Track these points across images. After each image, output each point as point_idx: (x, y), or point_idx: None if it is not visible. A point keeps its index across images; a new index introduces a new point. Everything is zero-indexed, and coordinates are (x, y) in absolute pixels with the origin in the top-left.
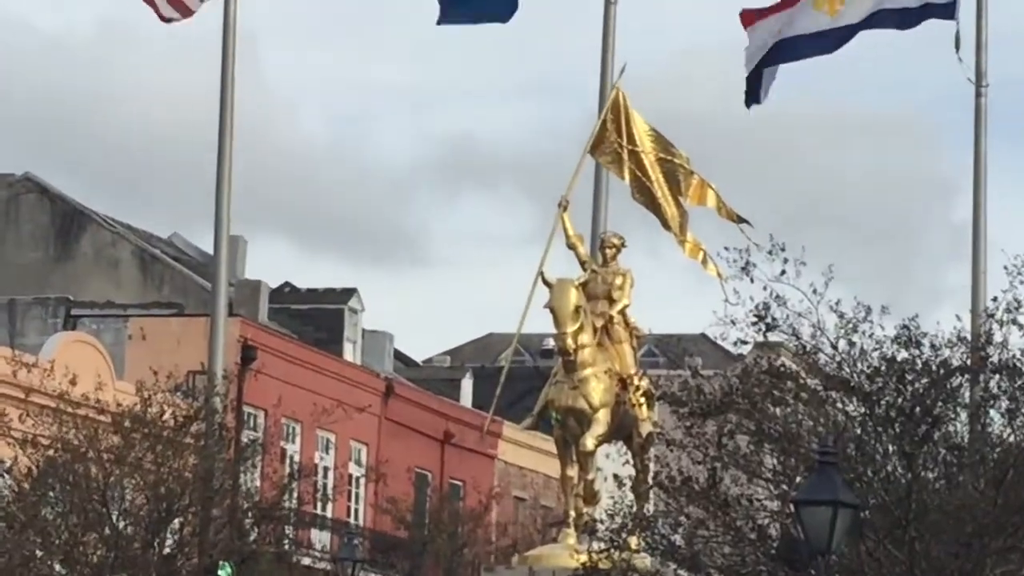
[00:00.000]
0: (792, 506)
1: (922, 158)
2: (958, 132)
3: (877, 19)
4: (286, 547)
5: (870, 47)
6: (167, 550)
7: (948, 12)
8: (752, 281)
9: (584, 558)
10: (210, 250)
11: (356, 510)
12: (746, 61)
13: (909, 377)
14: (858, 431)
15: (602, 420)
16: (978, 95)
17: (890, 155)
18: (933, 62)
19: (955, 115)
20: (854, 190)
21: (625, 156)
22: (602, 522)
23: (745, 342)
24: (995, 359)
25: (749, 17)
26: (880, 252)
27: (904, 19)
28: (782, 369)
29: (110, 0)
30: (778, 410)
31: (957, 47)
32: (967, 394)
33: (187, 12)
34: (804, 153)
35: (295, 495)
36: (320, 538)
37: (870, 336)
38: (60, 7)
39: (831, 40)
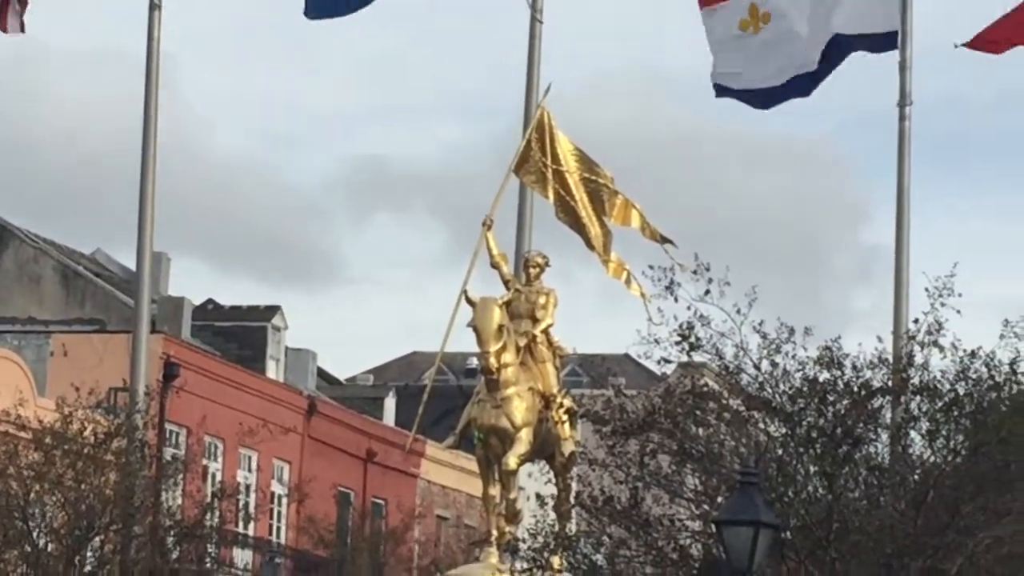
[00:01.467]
0: (714, 526)
1: (831, 182)
2: (867, 157)
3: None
4: (208, 566)
5: None
6: (88, 568)
7: (890, 43)
8: (676, 301)
9: None
10: (133, 266)
11: (278, 528)
12: (712, 48)
13: (831, 398)
14: (780, 452)
15: (524, 439)
16: (902, 117)
17: (800, 178)
18: (843, 88)
19: (865, 140)
20: (764, 212)
21: (549, 176)
22: (524, 541)
23: (668, 361)
24: (916, 381)
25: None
26: (789, 274)
27: (843, 50)
28: (705, 389)
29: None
30: (700, 430)
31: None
32: (888, 415)
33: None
34: (714, 174)
35: (217, 513)
36: (242, 557)
37: (792, 357)
38: None
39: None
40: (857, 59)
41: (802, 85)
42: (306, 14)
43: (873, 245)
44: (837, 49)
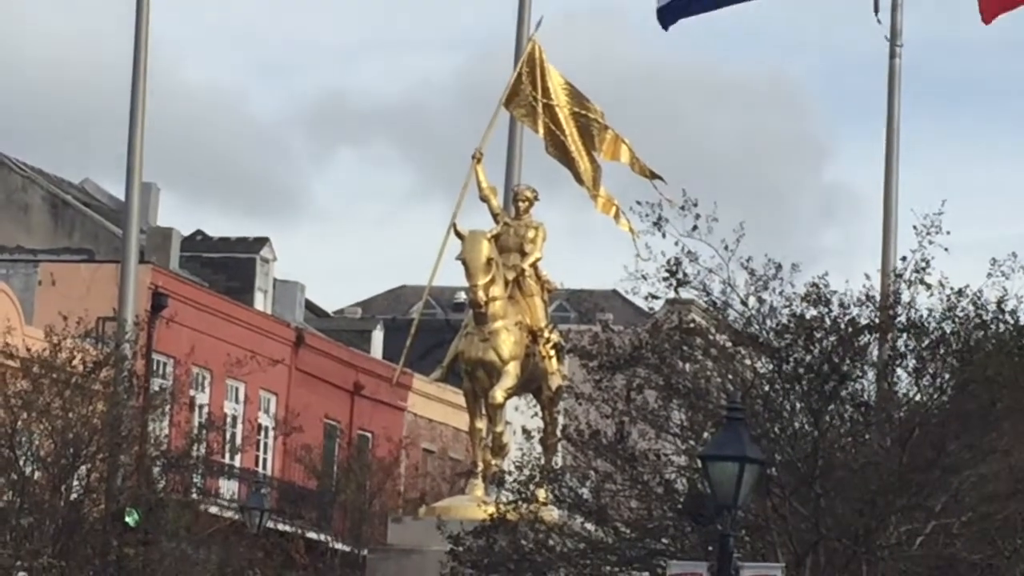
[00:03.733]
0: (699, 461)
1: (792, 120)
2: (832, 95)
3: None
4: (194, 496)
5: (742, 9)
6: (74, 496)
7: None
8: (664, 237)
9: (492, 509)
10: (122, 196)
11: (265, 460)
12: None
13: (817, 335)
14: (766, 388)
15: (511, 373)
16: (892, 55)
17: (761, 116)
18: (804, 25)
19: (828, 79)
20: (727, 149)
21: (540, 110)
22: (510, 474)
23: (656, 297)
24: (903, 318)
25: None
26: (753, 212)
27: None
28: (692, 325)
29: None
30: (687, 366)
31: (876, 9)
32: (875, 353)
33: None
34: (678, 112)
35: (204, 444)
36: (228, 487)
37: (780, 293)
38: None
39: None
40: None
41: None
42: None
43: (835, 182)
44: None
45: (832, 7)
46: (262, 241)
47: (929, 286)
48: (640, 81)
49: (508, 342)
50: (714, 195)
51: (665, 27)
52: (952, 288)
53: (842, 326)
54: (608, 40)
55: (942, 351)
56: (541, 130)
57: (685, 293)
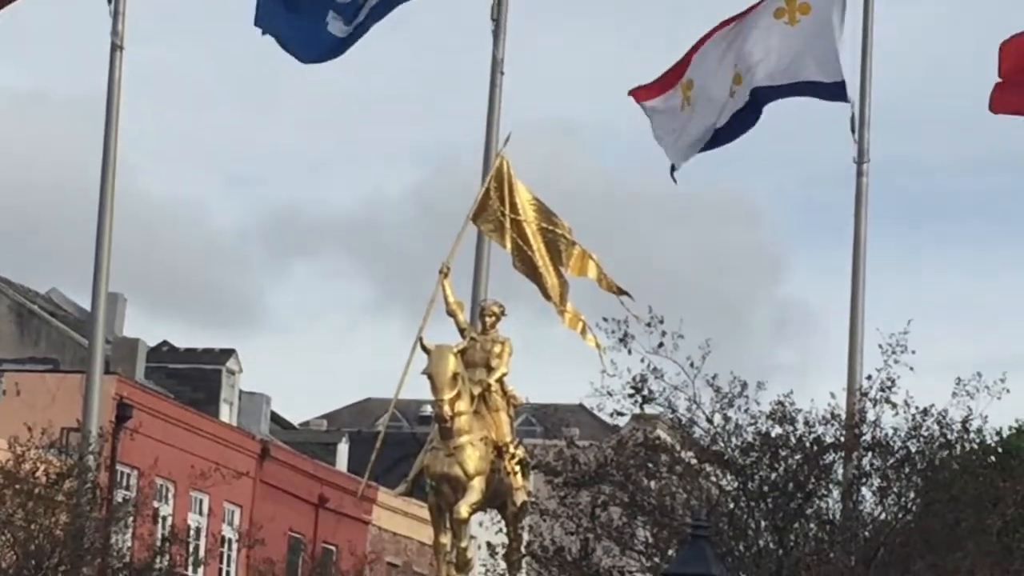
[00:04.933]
0: None
1: (746, 236)
2: (785, 211)
3: (764, 95)
4: None
5: None
6: None
7: (838, 94)
8: (630, 353)
9: None
10: (88, 306)
11: (228, 573)
12: (657, 135)
13: (783, 453)
14: (731, 505)
15: (477, 488)
16: (860, 174)
17: (715, 231)
18: (760, 141)
19: (782, 195)
20: (682, 264)
21: (507, 225)
22: None
23: (621, 414)
24: (868, 437)
25: (641, 94)
26: (708, 327)
27: (791, 92)
28: (657, 441)
29: None
30: (652, 483)
31: (853, 128)
32: (840, 471)
33: None
34: (634, 226)
35: (167, 557)
36: None
37: (745, 411)
38: None
39: (737, 127)
40: (775, 118)
41: (715, 138)
42: (302, 60)
43: (790, 297)
44: (755, 102)
45: (790, 126)
46: (228, 353)
47: (895, 405)
48: (595, 195)
49: (473, 457)
50: (668, 309)
51: (673, 172)
52: (917, 407)
53: (807, 444)
54: (564, 154)
55: (907, 470)
56: (509, 245)
57: (651, 409)
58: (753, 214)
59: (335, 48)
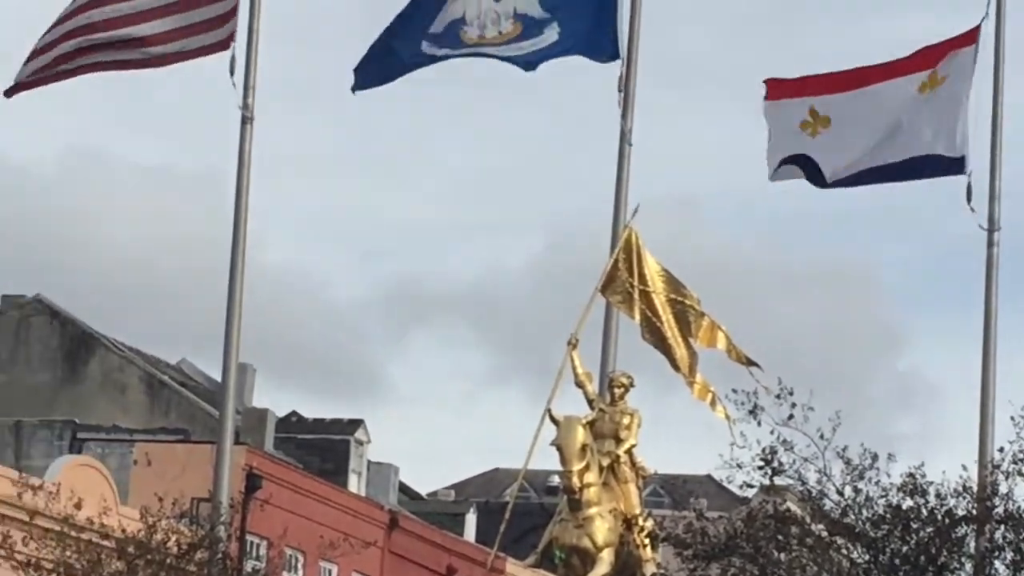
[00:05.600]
0: None
1: (865, 306)
2: (903, 281)
3: (880, 174)
4: None
5: (808, 198)
6: None
7: (959, 167)
8: (759, 424)
9: None
10: (218, 377)
11: None
12: (770, 137)
13: (914, 525)
14: None
15: (605, 560)
16: (990, 243)
17: (835, 303)
18: (879, 209)
19: (901, 265)
20: (801, 336)
21: (636, 296)
22: None
23: (751, 486)
24: (1000, 510)
25: (774, 89)
26: (829, 399)
27: (908, 172)
28: (787, 514)
29: (79, 131)
30: (782, 555)
31: (969, 198)
32: (972, 544)
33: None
34: (755, 301)
35: None
36: None
37: (876, 483)
38: (28, 140)
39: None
40: (894, 187)
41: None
42: (353, 89)
43: (910, 369)
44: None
45: (913, 197)
46: (356, 423)
47: None
48: (716, 267)
49: (602, 529)
50: (789, 381)
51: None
52: None
53: (939, 517)
54: (684, 226)
55: None
56: (637, 316)
57: (780, 481)
58: (871, 284)
59: (424, 62)
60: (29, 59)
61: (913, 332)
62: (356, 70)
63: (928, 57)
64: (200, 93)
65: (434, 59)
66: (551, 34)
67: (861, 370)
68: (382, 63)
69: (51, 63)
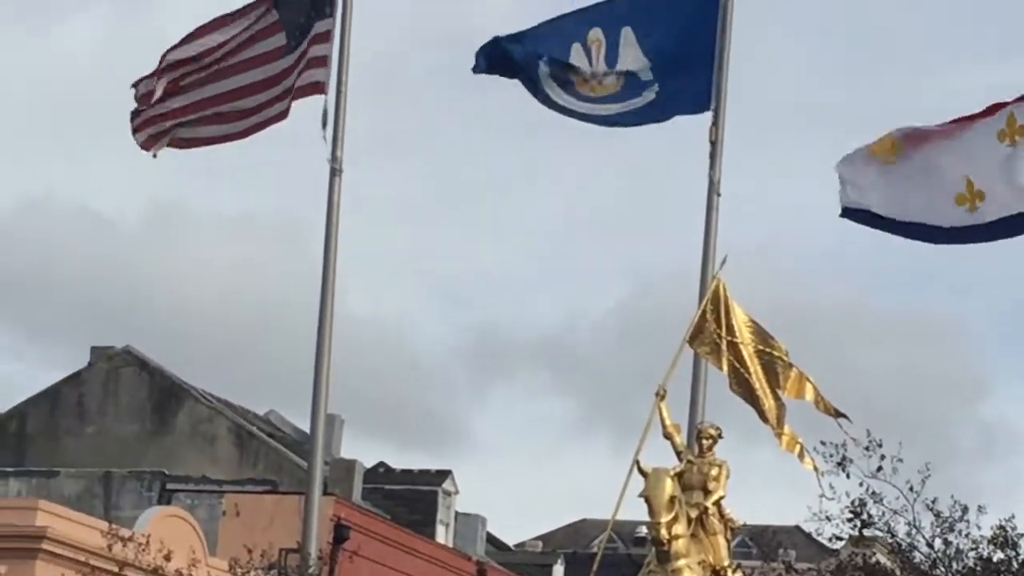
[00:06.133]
0: None
1: (949, 356)
2: (986, 332)
3: (1005, 228)
4: None
5: (888, 248)
6: None
7: None
8: (848, 476)
9: None
10: (307, 427)
11: None
12: (849, 176)
13: None
14: None
15: None
16: None
17: (916, 352)
18: (957, 259)
19: (987, 314)
20: (884, 385)
21: (724, 347)
22: None
23: (840, 538)
24: None
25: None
26: (916, 450)
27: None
28: (877, 566)
29: (162, 183)
30: None
31: None
32: None
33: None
34: (834, 346)
35: None
36: None
37: (966, 535)
38: (114, 192)
39: (965, 235)
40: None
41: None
42: (474, 70)
43: (994, 419)
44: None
45: (992, 250)
46: (444, 474)
47: None
48: (798, 317)
49: None
50: (875, 431)
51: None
52: None
53: None
54: (768, 277)
55: None
56: (725, 367)
57: (869, 533)
58: (954, 331)
59: (532, 88)
60: (143, 108)
61: (997, 381)
62: (479, 53)
63: (996, 109)
64: (282, 144)
65: (537, 89)
66: (649, 95)
67: (946, 420)
68: (503, 59)
69: (169, 128)
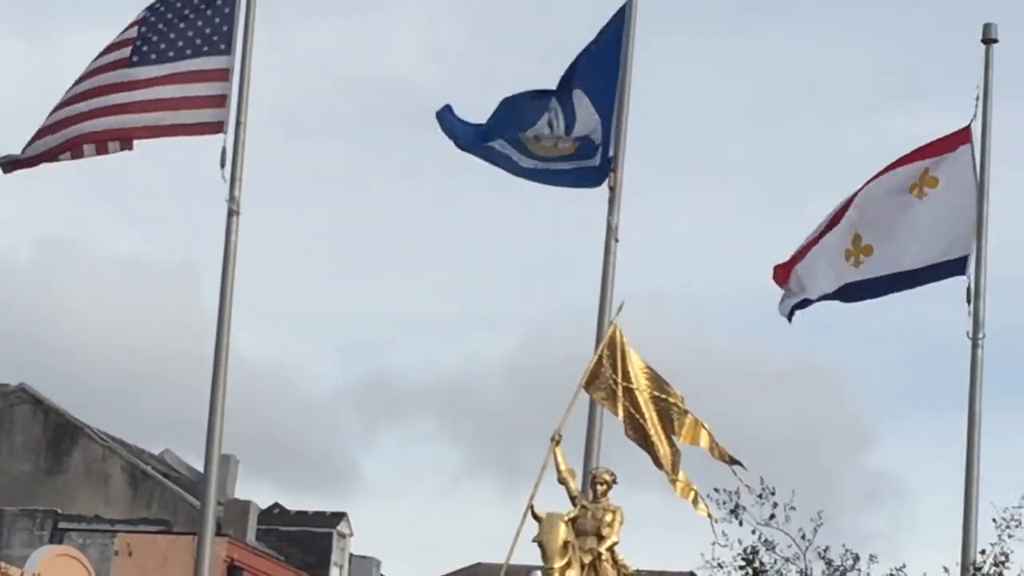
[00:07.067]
0: None
1: (837, 406)
2: (871, 383)
3: (896, 282)
4: None
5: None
6: None
7: (960, 268)
8: (741, 524)
9: None
10: (201, 467)
11: None
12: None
13: None
14: None
15: None
16: (975, 346)
17: (807, 401)
18: (856, 314)
19: (868, 367)
20: (775, 434)
21: (620, 393)
22: None
23: None
24: None
25: (782, 273)
26: (801, 496)
27: (916, 280)
28: None
29: (55, 219)
30: None
31: (968, 300)
32: None
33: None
34: (726, 393)
35: None
36: None
37: None
38: (5, 230)
39: (856, 291)
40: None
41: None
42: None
43: (879, 467)
44: (900, 282)
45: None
46: (339, 516)
47: None
48: (691, 366)
49: None
50: (768, 480)
51: (790, 319)
52: None
53: None
54: (662, 324)
55: None
56: (621, 413)
57: None
58: (845, 383)
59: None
60: (36, 137)
61: (882, 430)
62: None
63: (914, 158)
64: (179, 184)
65: (490, 153)
66: (596, 159)
67: (834, 469)
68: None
69: (58, 146)
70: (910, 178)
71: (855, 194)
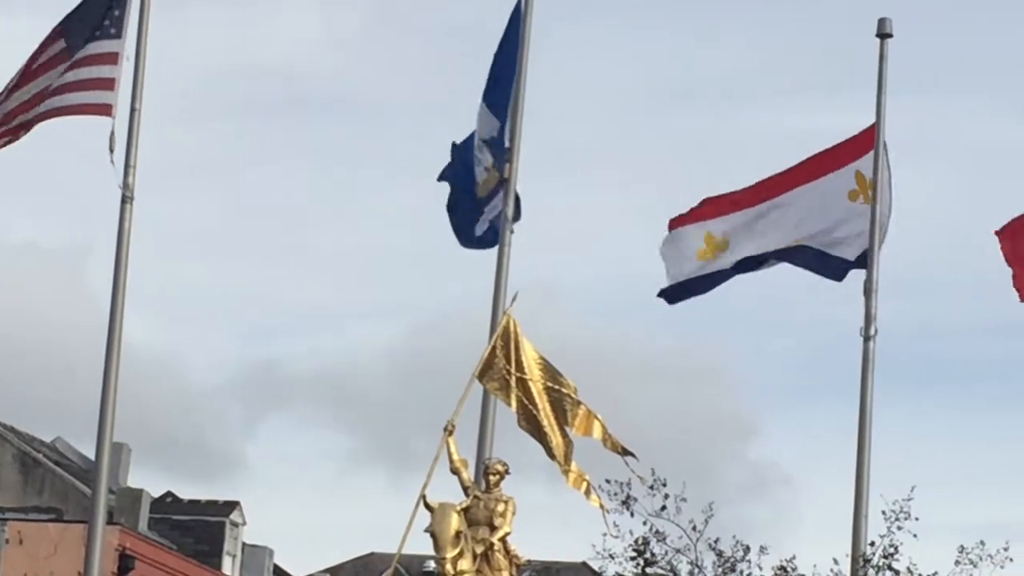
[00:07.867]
0: None
1: (720, 397)
2: (758, 374)
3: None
4: None
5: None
6: None
7: (860, 263)
8: (632, 515)
9: None
10: (93, 455)
11: None
12: (667, 264)
13: None
14: None
15: None
16: (866, 339)
17: (692, 394)
18: (726, 305)
19: (748, 356)
20: (662, 424)
21: (513, 383)
22: None
23: None
24: None
25: (677, 221)
26: (689, 488)
27: (801, 258)
28: None
29: None
30: None
31: (866, 292)
32: None
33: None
34: (614, 383)
35: None
36: None
37: (747, 575)
38: None
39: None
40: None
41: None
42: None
43: (761, 459)
44: (797, 257)
45: (769, 287)
46: (232, 505)
47: (897, 572)
48: (580, 357)
49: None
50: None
51: (671, 303)
52: (920, 574)
53: None
54: (552, 316)
55: None
56: (514, 404)
57: (653, 572)
58: (728, 374)
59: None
60: None
61: (764, 421)
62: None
63: (842, 160)
64: (72, 169)
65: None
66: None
67: (718, 459)
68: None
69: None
70: (846, 184)
71: (762, 186)
